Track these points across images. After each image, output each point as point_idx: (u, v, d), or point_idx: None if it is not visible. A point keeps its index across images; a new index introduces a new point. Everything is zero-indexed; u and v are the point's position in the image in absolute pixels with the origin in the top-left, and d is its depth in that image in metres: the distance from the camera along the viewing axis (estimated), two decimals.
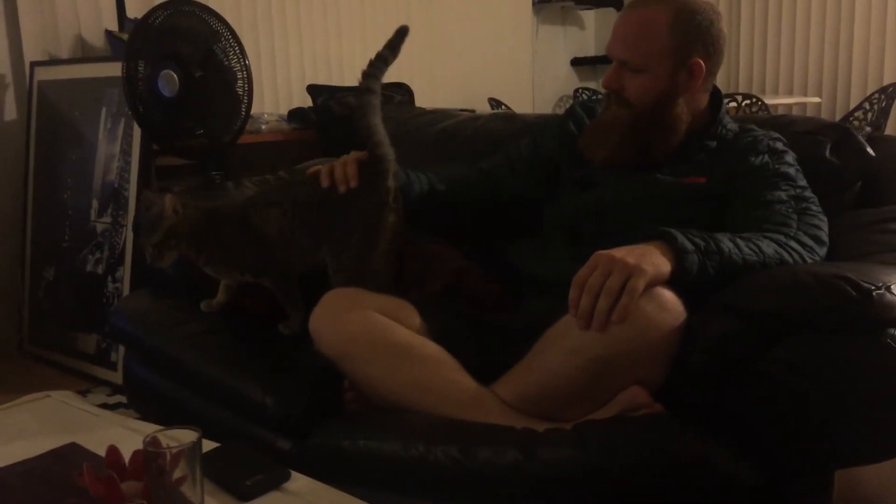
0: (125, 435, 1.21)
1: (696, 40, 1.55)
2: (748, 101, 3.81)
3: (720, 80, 1.63)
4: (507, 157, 1.84)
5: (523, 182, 1.81)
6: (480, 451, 1.23)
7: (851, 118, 4.15)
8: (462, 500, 1.26)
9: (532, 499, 1.21)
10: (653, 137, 1.58)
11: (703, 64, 1.55)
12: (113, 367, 2.75)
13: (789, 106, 4.78)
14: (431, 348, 1.42)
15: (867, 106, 4.18)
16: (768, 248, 1.35)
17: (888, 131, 4.29)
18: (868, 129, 4.03)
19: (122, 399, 2.57)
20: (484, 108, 4.55)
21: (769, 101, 4.00)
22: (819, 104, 5.04)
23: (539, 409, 1.33)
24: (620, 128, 1.59)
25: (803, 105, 5.02)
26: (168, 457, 0.94)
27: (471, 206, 1.86)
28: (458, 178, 1.83)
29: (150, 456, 0.95)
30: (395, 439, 1.29)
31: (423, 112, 2.46)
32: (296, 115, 3.57)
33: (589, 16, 5.82)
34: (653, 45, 1.54)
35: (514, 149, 1.85)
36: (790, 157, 1.58)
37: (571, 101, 5.17)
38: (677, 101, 1.57)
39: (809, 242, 1.41)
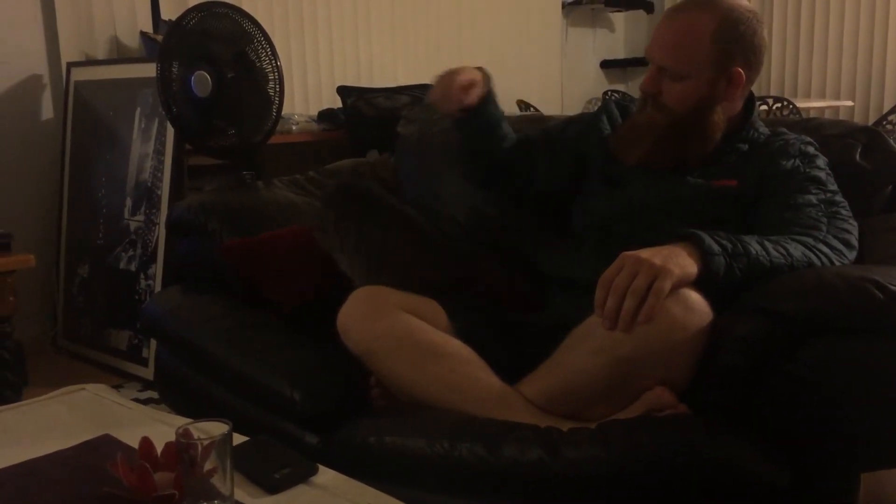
0: (157, 427, 1.23)
1: (739, 50, 1.53)
2: (779, 105, 3.78)
3: None
4: (546, 131, 1.86)
5: (551, 162, 1.80)
6: (505, 448, 1.24)
7: (885, 122, 4.10)
8: (486, 498, 1.27)
9: (556, 497, 1.22)
10: (689, 143, 1.57)
11: (743, 73, 1.54)
12: (144, 362, 2.79)
13: (821, 109, 4.72)
14: (457, 347, 1.43)
15: None
16: (796, 250, 1.34)
17: None
18: None
19: (154, 394, 2.61)
20: (512, 110, 4.54)
21: (801, 104, 3.96)
22: (852, 107, 4.98)
23: (564, 408, 1.34)
24: (656, 131, 1.58)
25: (836, 108, 4.96)
26: (199, 448, 0.96)
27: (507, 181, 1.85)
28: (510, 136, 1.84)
29: (181, 447, 0.97)
30: (421, 436, 1.30)
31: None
32: (326, 115, 3.61)
33: (619, 18, 5.79)
34: (695, 52, 1.52)
35: (555, 127, 1.86)
36: (821, 161, 1.57)
37: (600, 104, 5.15)
38: (715, 108, 1.56)
39: (838, 246, 1.40)
